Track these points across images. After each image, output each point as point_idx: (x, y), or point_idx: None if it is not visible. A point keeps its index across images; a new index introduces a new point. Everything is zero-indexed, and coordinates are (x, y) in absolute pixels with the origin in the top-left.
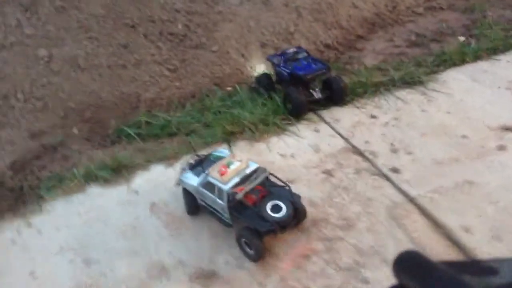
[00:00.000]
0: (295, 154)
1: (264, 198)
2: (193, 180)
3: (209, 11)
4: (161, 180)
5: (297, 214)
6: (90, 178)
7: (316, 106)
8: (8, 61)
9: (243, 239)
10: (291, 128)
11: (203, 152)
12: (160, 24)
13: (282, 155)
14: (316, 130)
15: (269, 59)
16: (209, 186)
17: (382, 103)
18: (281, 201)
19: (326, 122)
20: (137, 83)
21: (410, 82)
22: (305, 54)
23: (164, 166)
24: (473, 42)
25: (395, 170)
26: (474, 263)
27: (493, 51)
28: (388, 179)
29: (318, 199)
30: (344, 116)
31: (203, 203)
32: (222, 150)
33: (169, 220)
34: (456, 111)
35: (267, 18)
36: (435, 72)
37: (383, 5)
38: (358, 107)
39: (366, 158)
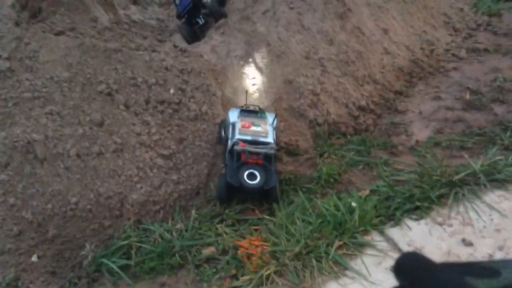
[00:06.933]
0: None
1: (253, 165)
2: (233, 117)
3: (208, 67)
4: None
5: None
6: None
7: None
8: None
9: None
10: (352, 263)
11: None
12: (146, 88)
13: None
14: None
15: None
16: (233, 127)
17: (471, 217)
18: (260, 174)
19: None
20: (119, 179)
21: (498, 179)
22: None
23: None
24: None
25: None
26: (475, 264)
27: None
28: None
29: None
30: (425, 240)
31: (224, 136)
32: (272, 114)
33: None
34: None
35: (283, 74)
36: None
37: (418, 48)
38: (439, 223)
39: None
